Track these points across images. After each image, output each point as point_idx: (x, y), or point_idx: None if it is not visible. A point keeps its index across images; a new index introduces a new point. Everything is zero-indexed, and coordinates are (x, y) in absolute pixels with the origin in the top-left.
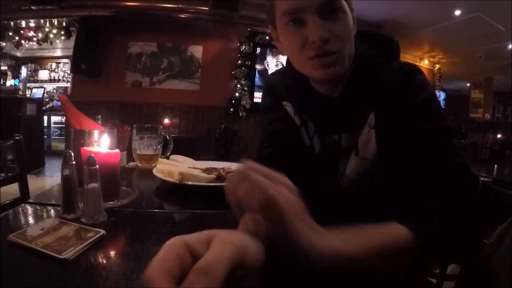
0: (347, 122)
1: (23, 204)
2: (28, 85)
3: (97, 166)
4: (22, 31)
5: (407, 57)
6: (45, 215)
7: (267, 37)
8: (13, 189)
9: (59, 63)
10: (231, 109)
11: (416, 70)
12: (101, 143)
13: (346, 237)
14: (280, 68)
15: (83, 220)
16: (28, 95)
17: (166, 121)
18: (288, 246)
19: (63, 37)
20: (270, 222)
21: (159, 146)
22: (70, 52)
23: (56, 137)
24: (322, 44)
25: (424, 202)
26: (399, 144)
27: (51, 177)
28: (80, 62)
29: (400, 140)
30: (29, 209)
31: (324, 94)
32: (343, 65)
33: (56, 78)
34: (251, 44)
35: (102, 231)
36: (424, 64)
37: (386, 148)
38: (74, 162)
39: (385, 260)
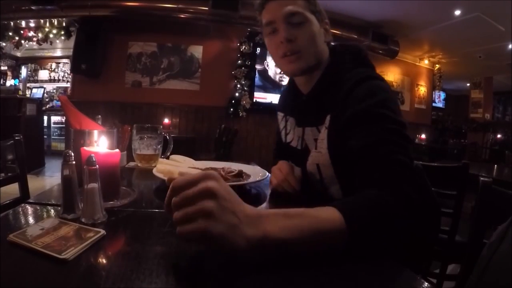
0: (311, 118)
1: (23, 204)
2: (28, 85)
3: (97, 166)
4: (22, 31)
5: (407, 57)
6: (45, 215)
7: None
8: (13, 189)
9: (59, 63)
10: (231, 109)
11: (366, 78)
12: (101, 143)
13: (279, 222)
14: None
15: (83, 220)
16: (28, 95)
17: (166, 121)
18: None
19: (63, 37)
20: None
21: (159, 146)
22: (70, 52)
23: (56, 137)
24: (287, 44)
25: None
26: (344, 145)
27: (51, 177)
28: (80, 62)
29: (344, 141)
30: (29, 209)
31: (301, 94)
32: (306, 61)
33: (56, 78)
34: (251, 44)
35: (102, 231)
36: (424, 64)
37: (334, 147)
38: (74, 162)
39: (316, 243)
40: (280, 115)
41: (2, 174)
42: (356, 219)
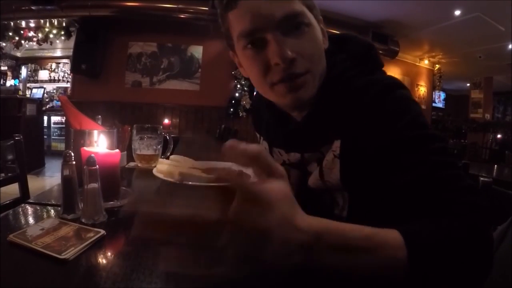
0: (310, 145)
1: (23, 204)
2: (28, 85)
3: (97, 166)
4: (22, 31)
5: (407, 57)
6: (45, 215)
7: None
8: (13, 189)
9: (59, 63)
10: (231, 109)
11: (385, 89)
12: (101, 143)
13: (331, 226)
14: None
15: (83, 220)
16: (28, 95)
17: (166, 121)
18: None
19: (63, 37)
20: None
21: (159, 146)
22: (70, 52)
23: (56, 137)
24: (287, 66)
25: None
26: (372, 179)
27: (51, 177)
28: (80, 62)
29: (374, 175)
30: (29, 209)
31: (289, 117)
32: (314, 87)
33: (56, 78)
34: None
35: (102, 231)
36: (424, 64)
37: (351, 181)
38: (74, 162)
39: (372, 264)
40: (258, 136)
41: (2, 174)
42: (421, 248)
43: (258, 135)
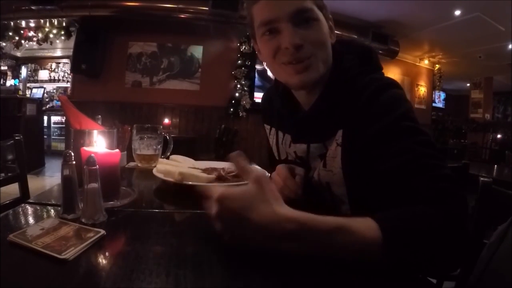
0: (316, 134)
1: (23, 204)
2: (28, 85)
3: (97, 166)
4: (22, 31)
5: (407, 57)
6: (45, 215)
7: None
8: (13, 189)
9: (59, 63)
10: (231, 109)
11: (385, 86)
12: (101, 143)
13: (311, 218)
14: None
15: (83, 220)
16: (28, 95)
17: (166, 121)
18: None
19: (63, 37)
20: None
21: (159, 146)
22: (70, 52)
23: (56, 137)
24: (295, 51)
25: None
26: (368, 165)
27: (51, 177)
28: (80, 62)
29: (368, 161)
30: (29, 209)
31: (298, 107)
32: (318, 70)
33: (56, 78)
34: (251, 44)
35: (102, 231)
36: (424, 64)
37: (351, 167)
38: (74, 162)
39: (348, 243)
40: (267, 127)
41: (2, 174)
42: (393, 231)
43: (267, 127)
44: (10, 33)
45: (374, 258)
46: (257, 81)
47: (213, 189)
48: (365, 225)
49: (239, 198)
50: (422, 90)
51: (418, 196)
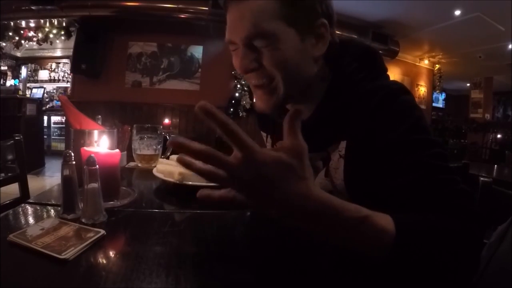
0: (316, 144)
1: (23, 204)
2: (28, 85)
3: (97, 166)
4: (22, 31)
5: (407, 57)
6: (45, 215)
7: None
8: (13, 189)
9: (59, 63)
10: (231, 109)
11: (391, 94)
12: (101, 143)
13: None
14: None
15: (83, 220)
16: (28, 95)
17: (166, 121)
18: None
19: (63, 37)
20: None
21: (159, 146)
22: (70, 52)
23: (56, 137)
24: (246, 75)
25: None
26: (374, 178)
27: (51, 177)
28: (80, 62)
29: (376, 175)
30: (29, 209)
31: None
32: (278, 95)
33: (56, 78)
34: None
35: (102, 231)
36: (424, 64)
37: (354, 180)
38: (74, 162)
39: (359, 233)
40: (264, 134)
41: (2, 174)
42: (407, 230)
43: (264, 135)
44: (10, 33)
45: (383, 254)
46: None
47: (251, 153)
48: (385, 220)
49: (279, 167)
50: (422, 90)
51: (433, 212)
